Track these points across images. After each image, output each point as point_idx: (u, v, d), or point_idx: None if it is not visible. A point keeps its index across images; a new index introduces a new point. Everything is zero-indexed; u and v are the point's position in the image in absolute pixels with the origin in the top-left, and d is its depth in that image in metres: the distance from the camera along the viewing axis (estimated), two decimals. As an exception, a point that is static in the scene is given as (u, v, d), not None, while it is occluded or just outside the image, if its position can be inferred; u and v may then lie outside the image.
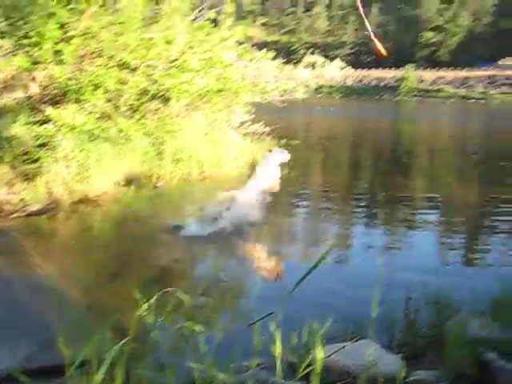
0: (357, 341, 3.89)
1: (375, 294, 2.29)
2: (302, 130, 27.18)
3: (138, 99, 11.13)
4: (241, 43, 13.84)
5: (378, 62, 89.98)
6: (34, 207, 8.42)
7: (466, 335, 3.58)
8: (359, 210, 9.53)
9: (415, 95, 77.56)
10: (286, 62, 16.55)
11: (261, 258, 6.82)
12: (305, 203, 10.15)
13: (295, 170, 11.79)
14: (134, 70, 10.91)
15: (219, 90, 11.52)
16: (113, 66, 10.52)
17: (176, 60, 11.21)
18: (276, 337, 2.09)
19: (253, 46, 17.29)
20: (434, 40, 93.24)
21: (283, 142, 15.84)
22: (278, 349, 2.08)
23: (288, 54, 74.08)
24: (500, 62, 79.68)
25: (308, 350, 2.38)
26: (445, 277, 5.80)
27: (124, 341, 2.13)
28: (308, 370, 2.02)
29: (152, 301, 2.37)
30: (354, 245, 7.49)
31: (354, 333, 4.31)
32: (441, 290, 4.68)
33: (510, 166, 14.90)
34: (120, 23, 10.32)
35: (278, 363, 2.10)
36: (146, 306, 2.32)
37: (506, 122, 35.99)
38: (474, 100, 71.46)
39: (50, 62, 9.94)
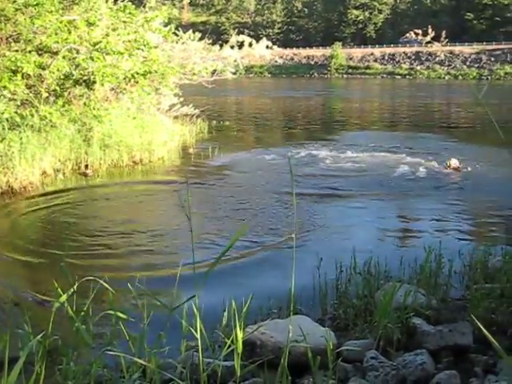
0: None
1: (292, 271, 2.28)
2: (233, 111, 27.11)
3: (61, 84, 10.72)
4: (167, 24, 13.56)
5: (307, 41, 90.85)
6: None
7: (394, 303, 3.67)
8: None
9: (345, 72, 78.81)
10: (215, 43, 16.27)
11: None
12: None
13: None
14: (55, 53, 10.47)
15: (145, 73, 11.25)
16: (31, 51, 10.06)
17: (99, 43, 10.84)
18: (197, 319, 2.06)
19: (181, 27, 17.00)
20: (361, 17, 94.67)
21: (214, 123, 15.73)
22: (198, 330, 2.05)
23: (218, 35, 73.46)
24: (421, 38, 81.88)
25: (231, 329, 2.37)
26: (374, 247, 5.95)
27: (41, 334, 2.03)
28: (230, 349, 2.00)
29: (71, 290, 2.28)
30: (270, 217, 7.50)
31: (289, 308, 4.35)
32: (370, 260, 4.81)
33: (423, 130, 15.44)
34: (36, 5, 9.84)
35: (200, 344, 2.07)
36: (64, 296, 2.23)
37: (429, 95, 37.26)
38: (400, 76, 73.34)
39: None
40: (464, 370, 3.38)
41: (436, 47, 76.82)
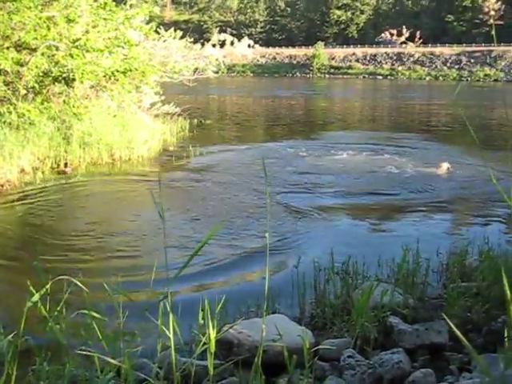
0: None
1: (266, 269, 2.27)
2: (215, 110, 27.06)
3: (40, 81, 10.60)
4: (149, 22, 13.48)
5: (289, 40, 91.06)
6: None
7: (371, 302, 3.70)
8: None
9: (327, 72, 79.11)
10: (197, 41, 16.20)
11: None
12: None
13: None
14: (34, 50, 10.35)
15: (126, 71, 11.16)
16: (9, 47, 9.93)
17: (79, 40, 10.73)
18: (170, 318, 2.05)
19: (163, 25, 16.90)
20: (343, 18, 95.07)
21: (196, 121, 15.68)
22: (171, 329, 2.03)
23: (201, 33, 73.27)
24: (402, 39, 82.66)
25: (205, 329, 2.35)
26: (353, 247, 5.97)
27: (12, 334, 2.00)
28: (203, 348, 2.00)
29: (44, 289, 2.25)
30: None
31: (268, 308, 4.35)
32: (349, 260, 4.82)
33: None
34: (14, 0, 9.71)
35: (172, 343, 2.06)
36: (37, 295, 2.19)
37: (410, 96, 37.56)
38: (382, 76, 73.83)
39: None
40: (439, 368, 3.41)
41: (410, 48, 77.79)
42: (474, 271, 4.55)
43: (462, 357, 3.46)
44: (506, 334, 2.92)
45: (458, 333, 1.51)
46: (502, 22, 1.93)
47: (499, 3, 1.94)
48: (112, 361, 2.12)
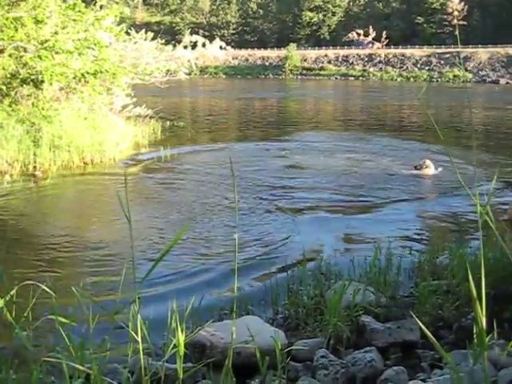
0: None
1: (235, 269, 2.26)
2: (188, 112, 26.92)
3: (8, 83, 10.42)
4: (120, 23, 13.37)
5: (262, 42, 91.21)
6: None
7: (343, 301, 3.71)
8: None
9: (299, 73, 79.42)
10: (169, 43, 16.10)
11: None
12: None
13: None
14: (1, 51, 10.17)
15: (96, 72, 11.03)
16: (-25, 49, 9.75)
17: (48, 41, 10.58)
18: (138, 321, 2.02)
19: (135, 26, 16.77)
20: (315, 19, 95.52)
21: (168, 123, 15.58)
22: (139, 334, 2.01)
23: (173, 35, 72.84)
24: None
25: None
26: (326, 248, 6.00)
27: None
28: (173, 351, 1.98)
29: (9, 296, 2.19)
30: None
31: (241, 309, 4.33)
32: (322, 261, 4.85)
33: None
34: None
35: (141, 347, 2.03)
36: (1, 301, 2.14)
37: (381, 97, 37.96)
38: (354, 77, 74.43)
39: None
40: (411, 365, 3.44)
41: (378, 48, 79.08)
42: (445, 269, 4.60)
43: (434, 354, 3.49)
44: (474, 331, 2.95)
45: (425, 330, 1.52)
46: (465, 23, 1.96)
47: (462, 4, 1.96)
48: (80, 367, 2.08)
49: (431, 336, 1.44)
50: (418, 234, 7.06)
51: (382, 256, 4.74)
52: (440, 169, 10.46)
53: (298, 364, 3.38)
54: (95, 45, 11.57)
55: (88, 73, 10.89)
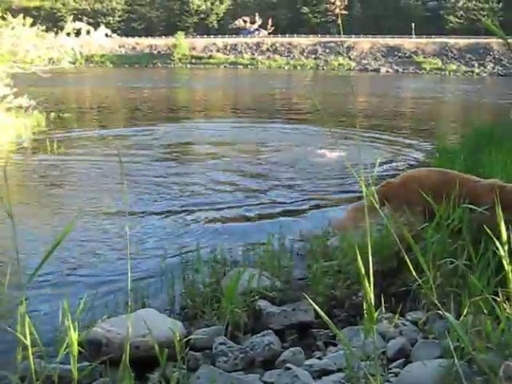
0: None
1: (129, 262, 2.22)
2: (74, 102, 25.80)
3: None
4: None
5: (149, 30, 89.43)
6: None
7: (239, 288, 3.76)
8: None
9: (188, 62, 78.84)
10: (49, 30, 15.33)
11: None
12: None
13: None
14: None
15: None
16: None
17: None
18: (26, 323, 1.92)
19: (11, 11, 15.80)
20: (203, 7, 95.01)
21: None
22: (28, 337, 1.91)
23: (54, 22, 69.27)
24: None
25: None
26: (219, 237, 6.03)
27: None
28: (66, 351, 1.90)
29: None
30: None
31: (136, 303, 4.26)
32: (216, 249, 4.88)
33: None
34: None
35: (30, 350, 1.94)
36: None
37: (270, 84, 38.69)
38: (243, 66, 75.12)
39: None
40: (308, 345, 3.57)
41: (265, 36, 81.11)
42: (336, 250, 4.79)
43: (328, 332, 3.63)
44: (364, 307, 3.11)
45: (319, 310, 1.57)
46: (347, 12, 2.03)
47: (344, -6, 2.03)
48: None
49: (324, 315, 1.49)
50: (308, 218, 7.24)
51: (275, 241, 4.85)
52: (342, 152, 10.72)
53: (197, 353, 3.38)
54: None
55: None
